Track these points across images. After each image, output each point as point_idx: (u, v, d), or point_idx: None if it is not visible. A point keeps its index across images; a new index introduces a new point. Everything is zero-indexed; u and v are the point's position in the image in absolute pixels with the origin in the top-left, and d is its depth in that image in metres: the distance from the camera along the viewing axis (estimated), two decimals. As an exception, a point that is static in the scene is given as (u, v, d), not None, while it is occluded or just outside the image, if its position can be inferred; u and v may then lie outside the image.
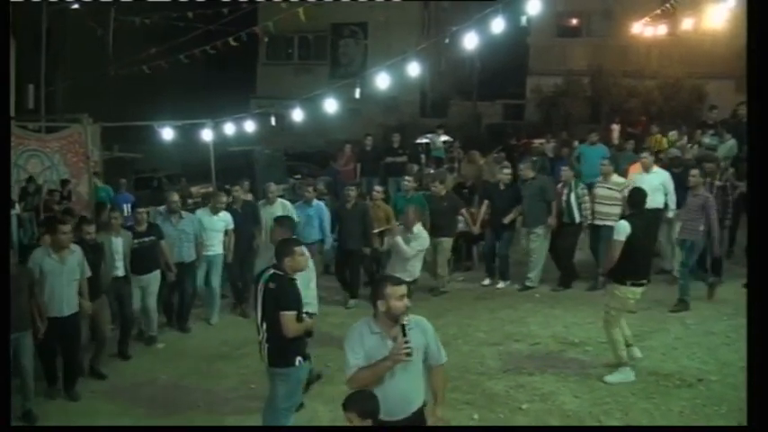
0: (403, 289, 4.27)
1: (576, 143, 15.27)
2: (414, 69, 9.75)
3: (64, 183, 13.44)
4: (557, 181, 10.78)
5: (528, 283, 10.50)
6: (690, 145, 13.93)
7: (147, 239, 8.79)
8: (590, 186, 10.51)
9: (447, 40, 9.69)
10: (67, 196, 12.84)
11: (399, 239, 8.26)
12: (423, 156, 17.12)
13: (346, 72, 26.48)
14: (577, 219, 10.18)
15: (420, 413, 4.43)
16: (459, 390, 7.09)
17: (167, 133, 12.93)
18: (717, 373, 7.13)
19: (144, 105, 21.01)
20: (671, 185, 10.07)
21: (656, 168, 10.31)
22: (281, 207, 10.36)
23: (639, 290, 7.19)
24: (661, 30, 19.75)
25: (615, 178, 10.23)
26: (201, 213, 9.86)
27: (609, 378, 7.14)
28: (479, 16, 8.43)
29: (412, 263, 8.24)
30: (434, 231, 10.32)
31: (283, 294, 5.59)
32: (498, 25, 8.46)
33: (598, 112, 22.99)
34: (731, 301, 9.00)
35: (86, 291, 7.53)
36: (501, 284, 10.75)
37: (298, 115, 12.10)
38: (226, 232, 9.80)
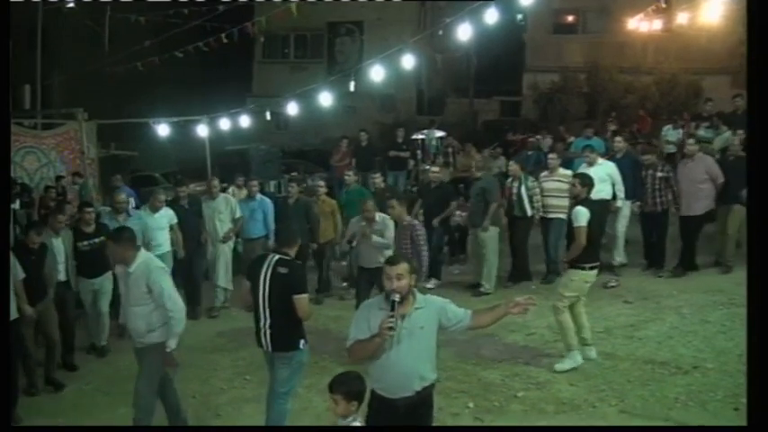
0: (396, 269, 4.25)
1: (572, 138, 15.29)
2: (408, 62, 9.73)
3: (58, 179, 13.46)
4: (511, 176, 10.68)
5: (483, 290, 10.12)
6: (686, 139, 13.93)
7: (96, 240, 8.33)
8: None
9: (441, 32, 9.67)
10: (62, 193, 12.84)
11: (375, 237, 8.27)
12: (419, 152, 17.16)
13: (342, 70, 26.43)
14: (529, 212, 10.16)
15: (425, 393, 4.44)
16: (454, 379, 7.11)
17: (163, 129, 12.91)
18: (713, 360, 7.13)
19: (141, 105, 20.98)
20: (618, 176, 10.15)
21: (600, 161, 10.35)
22: (225, 202, 10.19)
23: (595, 272, 7.37)
24: (656, 25, 19.73)
25: (562, 171, 10.35)
26: (142, 213, 9.61)
27: (559, 366, 7.19)
28: (472, 7, 8.41)
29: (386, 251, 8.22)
30: None
31: (297, 278, 5.77)
32: (492, 16, 8.44)
33: (595, 108, 22.98)
34: (726, 291, 9.02)
35: (23, 294, 6.93)
36: (431, 284, 10.49)
37: (293, 109, 12.09)
38: (171, 228, 9.52)
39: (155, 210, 9.46)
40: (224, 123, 12.75)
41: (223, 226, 10.09)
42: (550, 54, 24.61)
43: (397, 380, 4.35)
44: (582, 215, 7.15)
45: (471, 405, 6.58)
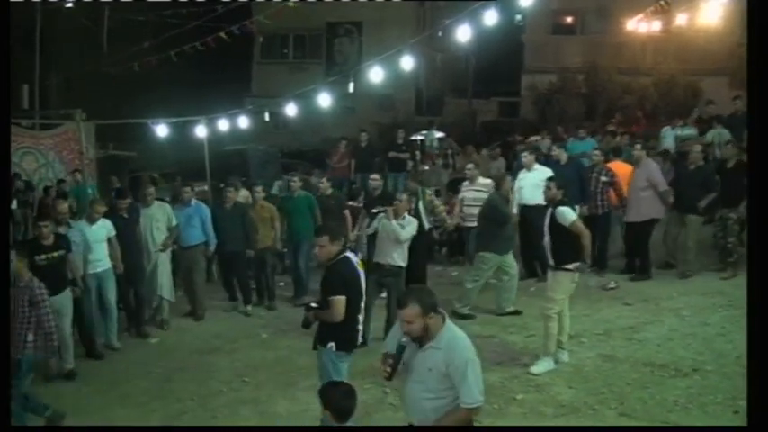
0: (403, 313, 3.98)
1: (570, 139, 15.31)
2: (407, 63, 9.69)
3: (60, 182, 13.43)
4: None
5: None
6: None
7: (55, 254, 7.65)
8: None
9: (440, 33, 9.65)
10: (62, 195, 12.77)
11: (395, 223, 8.26)
12: (418, 152, 17.13)
13: (341, 71, 26.41)
14: (426, 226, 9.99)
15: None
16: (453, 381, 7.07)
17: (161, 130, 12.86)
18: (712, 363, 7.11)
19: (139, 105, 20.96)
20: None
21: (537, 166, 10.36)
22: (160, 209, 9.53)
23: (578, 273, 7.33)
24: (655, 26, 19.76)
25: (481, 180, 10.45)
26: (79, 225, 8.59)
27: (535, 369, 7.19)
28: (472, 8, 8.39)
29: (403, 248, 8.24)
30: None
31: None
32: (491, 17, 8.42)
33: (593, 109, 22.96)
34: (726, 293, 9.01)
35: None
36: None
37: (291, 110, 12.05)
38: (109, 241, 8.67)
39: (92, 221, 8.61)
40: (222, 124, 12.72)
41: (160, 235, 9.45)
42: (549, 55, 24.59)
43: (406, 411, 4.26)
44: (568, 212, 7.15)
45: (470, 407, 6.54)
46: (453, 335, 4.03)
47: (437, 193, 13.94)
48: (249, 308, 10.05)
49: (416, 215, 9.77)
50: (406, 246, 8.33)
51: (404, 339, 4.03)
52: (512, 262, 9.31)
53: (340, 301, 5.53)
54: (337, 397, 4.05)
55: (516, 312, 9.10)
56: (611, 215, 10.60)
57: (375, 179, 10.83)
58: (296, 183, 10.61)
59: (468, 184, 10.52)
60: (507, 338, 8.23)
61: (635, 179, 10.15)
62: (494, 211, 9.24)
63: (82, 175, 13.13)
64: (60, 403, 7.18)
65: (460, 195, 10.66)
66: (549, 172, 10.19)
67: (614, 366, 7.25)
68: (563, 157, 10.92)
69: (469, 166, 10.84)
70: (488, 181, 10.41)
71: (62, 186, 13.29)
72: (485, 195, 10.08)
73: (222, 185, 10.99)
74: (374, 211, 8.93)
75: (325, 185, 10.73)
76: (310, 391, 6.96)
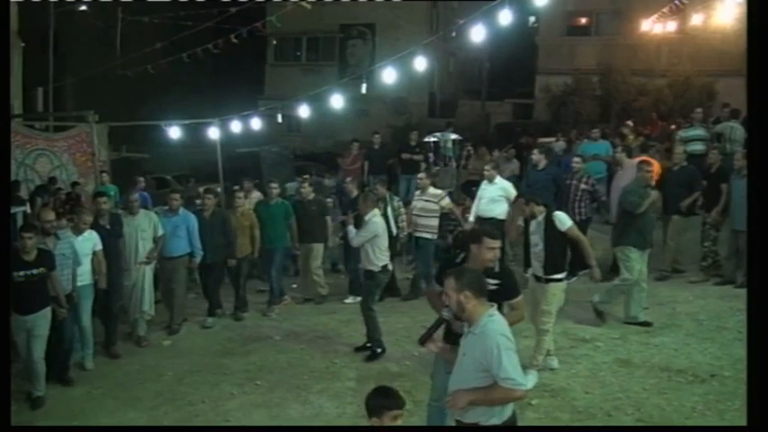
0: (445, 285, 4.09)
1: (584, 140, 15.21)
2: (420, 64, 9.63)
3: (74, 185, 13.45)
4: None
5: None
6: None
7: (35, 271, 7.07)
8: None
9: (453, 34, 9.59)
10: (76, 198, 12.78)
11: (351, 228, 8.20)
12: (431, 154, 17.06)
13: (354, 73, 26.47)
14: (394, 232, 9.91)
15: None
16: (467, 385, 7.00)
17: (174, 132, 12.87)
18: (730, 368, 6.99)
19: (152, 107, 21.05)
20: (514, 194, 10.07)
21: (498, 179, 10.32)
22: (146, 218, 9.01)
23: (565, 283, 7.31)
24: (670, 27, 19.65)
25: (432, 190, 10.25)
26: (66, 236, 7.91)
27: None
28: (486, 8, 8.32)
29: (366, 251, 8.04)
30: (304, 237, 10.11)
31: None
32: (505, 17, 8.35)
33: (608, 110, 22.85)
34: (743, 297, 8.81)
35: None
36: (350, 299, 10.28)
37: (304, 112, 12.02)
38: (94, 254, 8.08)
39: (78, 232, 7.98)
40: (235, 126, 12.71)
41: (146, 245, 8.92)
42: (563, 56, 24.50)
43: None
44: (565, 217, 7.13)
45: (484, 413, 6.47)
46: (492, 322, 3.98)
47: (450, 195, 13.90)
48: (210, 320, 9.67)
49: (386, 221, 9.67)
50: (371, 249, 8.09)
51: (445, 313, 4.15)
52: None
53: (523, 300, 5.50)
54: (370, 394, 3.90)
55: (647, 323, 8.44)
56: (590, 223, 10.52)
57: (348, 182, 10.91)
58: (275, 189, 10.27)
59: (419, 194, 10.27)
60: (521, 342, 8.00)
61: (618, 180, 10.09)
62: (625, 198, 8.67)
63: (108, 175, 13.16)
64: (70, 406, 7.21)
65: (412, 204, 10.45)
66: (508, 186, 10.29)
67: (630, 371, 7.14)
68: (541, 162, 10.83)
69: (420, 175, 10.68)
70: (439, 191, 10.27)
71: (77, 189, 13.30)
72: (434, 206, 9.98)
73: (234, 188, 10.92)
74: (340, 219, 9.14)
75: (307, 190, 10.48)
76: (323, 395, 6.97)
